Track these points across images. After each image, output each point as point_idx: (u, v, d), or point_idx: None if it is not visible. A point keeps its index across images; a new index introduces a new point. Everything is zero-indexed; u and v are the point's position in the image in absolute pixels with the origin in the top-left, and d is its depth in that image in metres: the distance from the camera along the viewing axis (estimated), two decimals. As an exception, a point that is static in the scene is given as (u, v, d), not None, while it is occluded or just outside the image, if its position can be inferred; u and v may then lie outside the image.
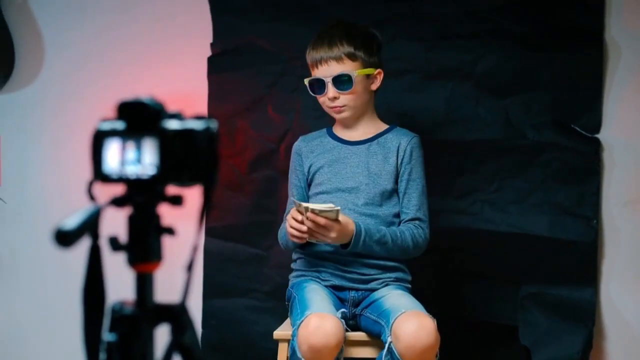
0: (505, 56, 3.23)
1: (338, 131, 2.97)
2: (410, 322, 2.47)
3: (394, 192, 2.87)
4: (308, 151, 2.96)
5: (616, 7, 3.20)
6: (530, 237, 3.20)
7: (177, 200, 1.18)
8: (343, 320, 2.56)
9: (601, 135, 3.20)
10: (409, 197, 2.87)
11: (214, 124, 1.17)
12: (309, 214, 2.59)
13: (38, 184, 3.56)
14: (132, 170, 1.16)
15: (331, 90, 2.80)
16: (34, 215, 3.55)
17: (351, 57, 2.80)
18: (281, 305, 3.10)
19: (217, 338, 3.39)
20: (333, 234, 2.64)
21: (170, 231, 1.19)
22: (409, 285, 2.87)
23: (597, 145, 3.19)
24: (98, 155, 1.17)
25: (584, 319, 3.18)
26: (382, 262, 2.81)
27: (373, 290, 2.79)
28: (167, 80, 3.40)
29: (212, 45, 3.40)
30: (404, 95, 3.26)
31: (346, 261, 2.80)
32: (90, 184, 1.18)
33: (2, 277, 3.59)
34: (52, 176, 3.53)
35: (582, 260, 3.20)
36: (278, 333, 2.77)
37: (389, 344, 2.49)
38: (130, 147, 1.16)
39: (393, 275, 2.83)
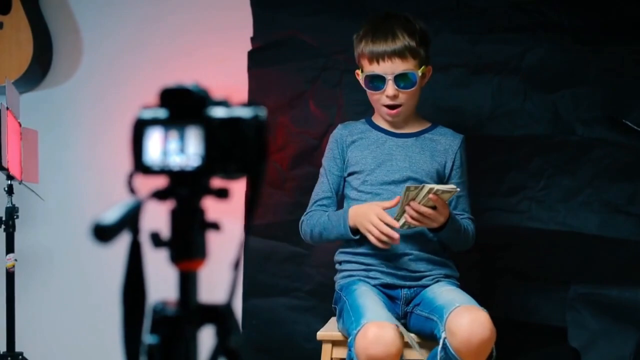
0: (553, 49, 3.15)
1: (381, 122, 2.86)
2: (464, 317, 2.40)
3: None
4: (350, 140, 2.84)
5: (670, -2, 3.10)
6: (579, 235, 3.12)
7: (222, 194, 1.11)
8: (402, 327, 2.46)
9: (654, 131, 3.11)
10: (461, 199, 2.82)
11: (262, 112, 1.10)
12: (431, 195, 2.51)
13: (76, 181, 3.52)
14: (175, 162, 1.08)
15: (391, 88, 2.69)
16: (72, 212, 3.51)
17: (413, 53, 2.69)
18: (323, 305, 3.04)
19: (258, 338, 3.32)
20: (442, 218, 2.59)
21: (215, 226, 1.12)
22: (458, 282, 2.79)
23: (649, 141, 3.10)
24: (139, 146, 1.10)
25: (636, 321, 3.09)
26: (432, 257, 2.74)
27: (424, 286, 2.71)
28: (206, 75, 3.33)
29: (252, 39, 3.34)
30: (449, 91, 3.18)
31: (395, 257, 2.72)
32: (131, 176, 1.11)
33: (40, 276, 3.55)
34: (90, 173, 3.49)
35: (634, 259, 3.11)
36: (322, 334, 2.70)
37: (443, 340, 2.40)
38: (173, 136, 1.08)
39: (443, 271, 2.76)
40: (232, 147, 1.08)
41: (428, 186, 2.49)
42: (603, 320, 3.11)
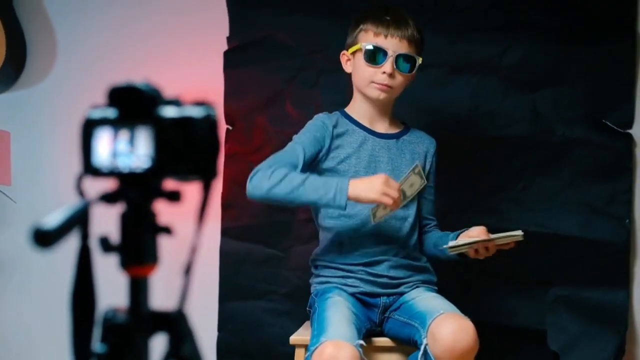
0: (533, 48, 3.12)
1: (359, 117, 2.77)
2: (449, 324, 2.34)
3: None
4: (336, 133, 2.72)
5: (649, -3, 3.09)
6: (559, 237, 3.09)
7: (174, 196, 1.07)
8: (361, 350, 2.33)
9: (633, 131, 3.11)
10: (432, 203, 2.82)
11: (214, 111, 1.05)
12: (491, 244, 2.56)
13: (49, 183, 3.46)
14: (125, 163, 1.04)
15: (390, 66, 2.61)
16: (44, 215, 3.44)
17: (417, 44, 2.67)
18: (299, 308, 3.00)
19: (234, 342, 3.28)
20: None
21: (167, 230, 1.08)
22: (436, 287, 2.75)
23: (629, 141, 3.10)
24: (87, 147, 1.06)
25: (616, 323, 3.08)
26: (411, 263, 2.70)
27: (403, 293, 2.67)
28: (182, 76, 3.30)
29: (228, 39, 3.29)
30: (428, 90, 3.14)
31: (375, 264, 2.66)
32: (80, 178, 1.06)
33: (13, 279, 3.50)
34: (64, 175, 3.41)
35: (614, 261, 3.10)
36: (295, 338, 2.65)
37: (425, 346, 2.35)
38: (123, 137, 1.04)
39: (421, 277, 2.72)
40: (184, 148, 1.04)
41: (520, 234, 2.52)
42: (583, 322, 3.09)
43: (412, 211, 2.71)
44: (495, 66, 3.13)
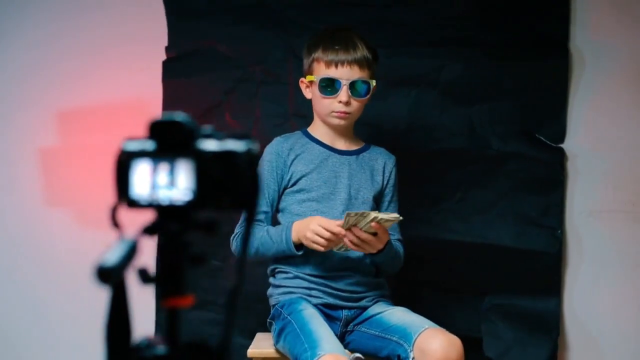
0: (470, 64, 3.20)
1: (320, 136, 2.83)
2: (438, 339, 2.43)
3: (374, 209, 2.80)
4: (292, 156, 2.78)
5: (581, 16, 3.19)
6: (494, 247, 3.18)
7: (212, 228, 1.08)
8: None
9: (565, 145, 3.20)
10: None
11: (255, 145, 1.07)
12: (373, 224, 2.49)
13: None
14: (165, 195, 1.05)
15: (345, 94, 2.68)
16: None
17: (370, 64, 2.73)
18: (237, 319, 2.98)
19: (171, 352, 3.25)
20: (381, 245, 2.59)
21: (202, 260, 1.09)
22: (391, 301, 2.80)
23: (561, 155, 3.20)
24: (124, 178, 1.06)
25: (549, 330, 3.18)
26: (370, 279, 2.76)
27: (364, 307, 2.72)
28: (120, 86, 3.26)
29: (167, 48, 3.26)
30: (366, 103, 3.17)
31: (337, 279, 2.71)
32: (114, 209, 1.07)
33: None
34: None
35: (547, 270, 3.20)
36: (254, 351, 2.66)
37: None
38: (163, 169, 1.05)
39: (380, 291, 2.78)
40: (225, 181, 1.05)
41: (372, 214, 2.49)
42: (517, 329, 3.17)
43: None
44: (433, 81, 3.19)
